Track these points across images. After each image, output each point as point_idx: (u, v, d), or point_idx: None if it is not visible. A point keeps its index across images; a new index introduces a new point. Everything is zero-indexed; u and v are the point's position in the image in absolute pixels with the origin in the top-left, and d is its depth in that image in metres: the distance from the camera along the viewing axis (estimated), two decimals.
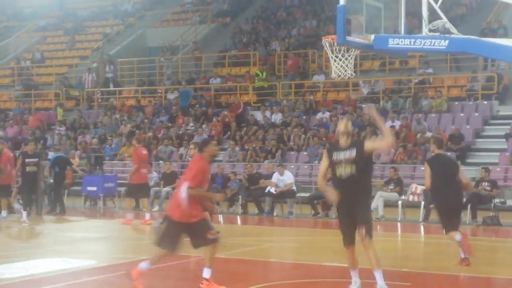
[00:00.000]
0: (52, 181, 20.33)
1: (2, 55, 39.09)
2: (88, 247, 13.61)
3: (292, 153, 23.90)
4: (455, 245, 10.94)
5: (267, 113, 26.49)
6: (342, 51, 11.50)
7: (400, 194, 18.23)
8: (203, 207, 8.91)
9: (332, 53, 11.45)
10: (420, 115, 23.75)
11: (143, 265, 8.87)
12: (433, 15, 11.52)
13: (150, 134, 26.64)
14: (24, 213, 17.02)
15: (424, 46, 11.35)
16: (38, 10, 42.40)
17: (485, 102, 24.41)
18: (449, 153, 21.00)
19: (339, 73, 11.70)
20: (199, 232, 8.68)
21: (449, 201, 10.88)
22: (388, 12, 12.21)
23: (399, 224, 17.48)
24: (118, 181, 21.18)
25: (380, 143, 8.86)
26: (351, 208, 8.38)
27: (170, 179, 20.89)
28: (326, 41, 11.49)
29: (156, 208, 20.40)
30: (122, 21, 38.66)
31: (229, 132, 26.22)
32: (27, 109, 32.19)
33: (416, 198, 18.01)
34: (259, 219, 18.92)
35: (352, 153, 8.38)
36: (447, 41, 11.19)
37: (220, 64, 32.27)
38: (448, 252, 11.58)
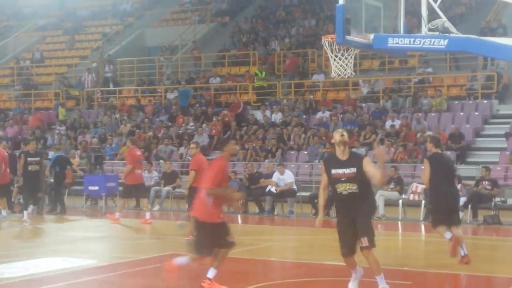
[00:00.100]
0: (52, 180, 20.36)
1: (2, 55, 39.07)
2: (88, 247, 13.63)
3: (292, 152, 23.91)
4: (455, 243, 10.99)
5: (267, 113, 26.50)
6: (341, 51, 11.51)
7: (400, 193, 18.25)
8: (230, 206, 8.99)
9: (332, 52, 11.46)
10: (420, 114, 23.76)
11: (181, 260, 8.90)
12: (433, 14, 11.54)
13: (150, 133, 26.65)
14: (25, 213, 17.03)
15: (423, 46, 11.37)
16: (38, 10, 42.38)
17: (485, 101, 24.42)
18: (449, 152, 21.10)
19: (339, 72, 11.71)
20: (222, 233, 8.74)
21: (448, 200, 10.90)
22: (387, 11, 12.22)
23: (399, 223, 17.50)
24: (119, 181, 21.17)
25: (373, 177, 8.19)
26: (352, 222, 8.22)
27: (170, 178, 20.92)
28: (325, 40, 11.49)
29: (156, 207, 20.41)
30: (121, 21, 38.66)
31: (229, 132, 26.22)
32: (27, 109, 32.19)
33: (416, 197, 18.03)
34: (260, 218, 18.94)
35: (352, 170, 8.16)
36: (446, 40, 11.21)
37: (219, 64, 32.26)
38: (448, 251, 11.57)
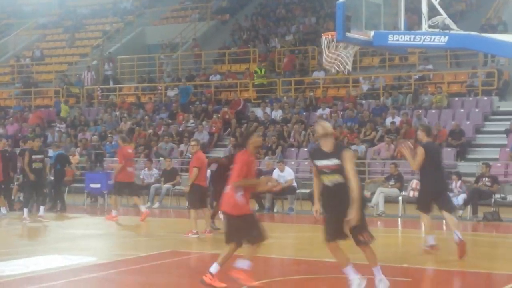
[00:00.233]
0: (52, 178, 20.34)
1: (2, 53, 39.02)
2: (88, 244, 13.62)
3: (292, 149, 23.91)
4: (453, 241, 11.06)
5: (267, 110, 26.49)
6: (339, 46, 11.53)
7: (400, 190, 18.26)
8: (262, 191, 8.95)
9: (328, 49, 11.50)
10: (420, 111, 23.75)
11: (242, 264, 8.84)
12: (433, 11, 11.54)
13: (150, 131, 26.65)
14: (25, 210, 17.02)
15: (424, 42, 11.38)
16: (38, 8, 42.38)
17: (485, 98, 24.41)
18: (449, 149, 21.11)
19: (331, 65, 11.81)
20: (254, 224, 8.84)
21: (437, 186, 11.32)
22: (387, 8, 12.23)
23: (399, 220, 17.50)
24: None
25: (349, 180, 7.98)
26: (341, 214, 8.07)
27: (170, 175, 20.93)
28: (325, 37, 11.50)
29: (156, 204, 20.41)
30: (121, 19, 38.64)
31: (229, 129, 26.23)
32: (27, 106, 32.20)
33: (416, 194, 18.00)
34: (260, 215, 18.83)
35: (336, 162, 8.04)
36: (446, 37, 11.22)
37: (220, 61, 32.24)
38: (447, 247, 11.58)
